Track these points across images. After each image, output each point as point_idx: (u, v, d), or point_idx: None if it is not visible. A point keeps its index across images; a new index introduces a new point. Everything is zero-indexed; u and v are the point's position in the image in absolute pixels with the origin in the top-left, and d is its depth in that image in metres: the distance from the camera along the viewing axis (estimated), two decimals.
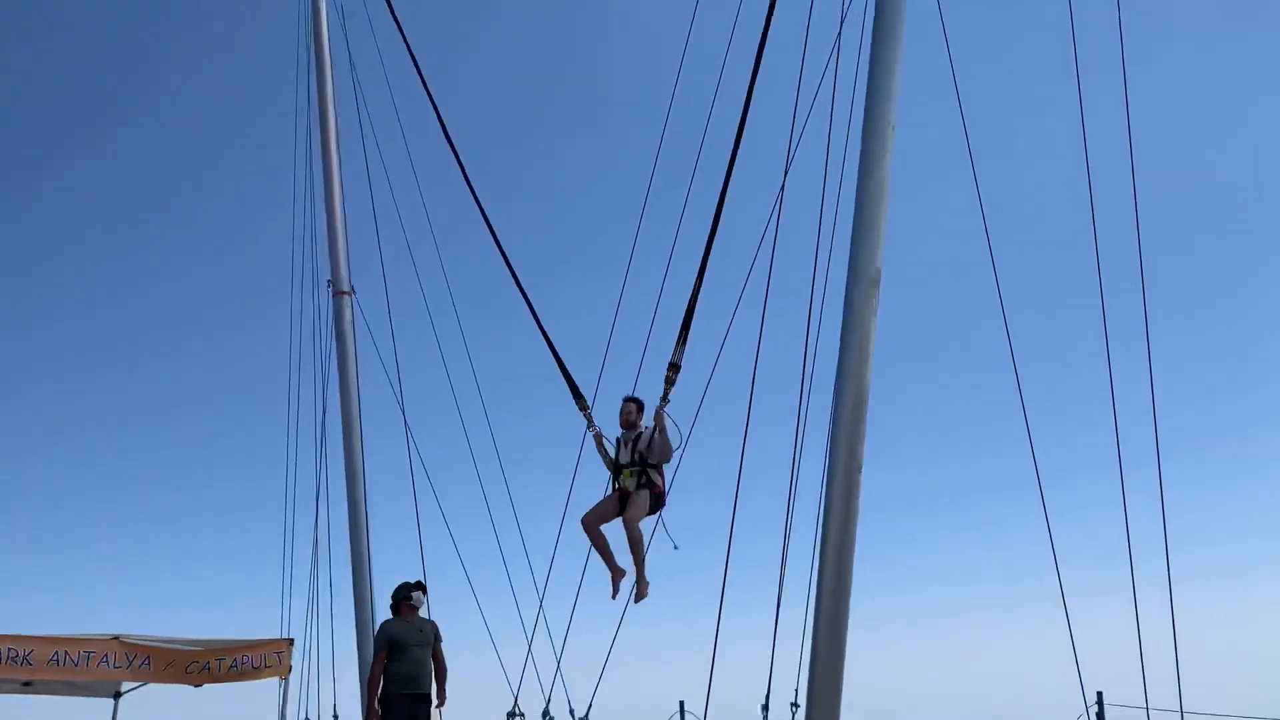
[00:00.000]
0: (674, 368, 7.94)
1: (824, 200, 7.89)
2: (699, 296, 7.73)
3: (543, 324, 9.01)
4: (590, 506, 8.63)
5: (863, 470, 6.82)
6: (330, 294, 12.44)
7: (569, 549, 8.51)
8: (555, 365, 8.94)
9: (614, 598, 8.69)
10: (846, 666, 6.56)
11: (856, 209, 6.84)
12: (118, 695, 10.98)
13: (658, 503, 8.64)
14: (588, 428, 8.93)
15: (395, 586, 9.59)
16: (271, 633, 10.56)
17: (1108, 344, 6.78)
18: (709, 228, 7.64)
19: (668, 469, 8.46)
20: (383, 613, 10.81)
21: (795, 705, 7.63)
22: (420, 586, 9.57)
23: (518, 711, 7.56)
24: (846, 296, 6.96)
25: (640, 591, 8.30)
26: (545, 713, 7.62)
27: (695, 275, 7.72)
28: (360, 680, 10.45)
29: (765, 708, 7.84)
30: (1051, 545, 5.92)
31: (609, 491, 8.77)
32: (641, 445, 8.59)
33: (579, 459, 8.46)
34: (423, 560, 10.67)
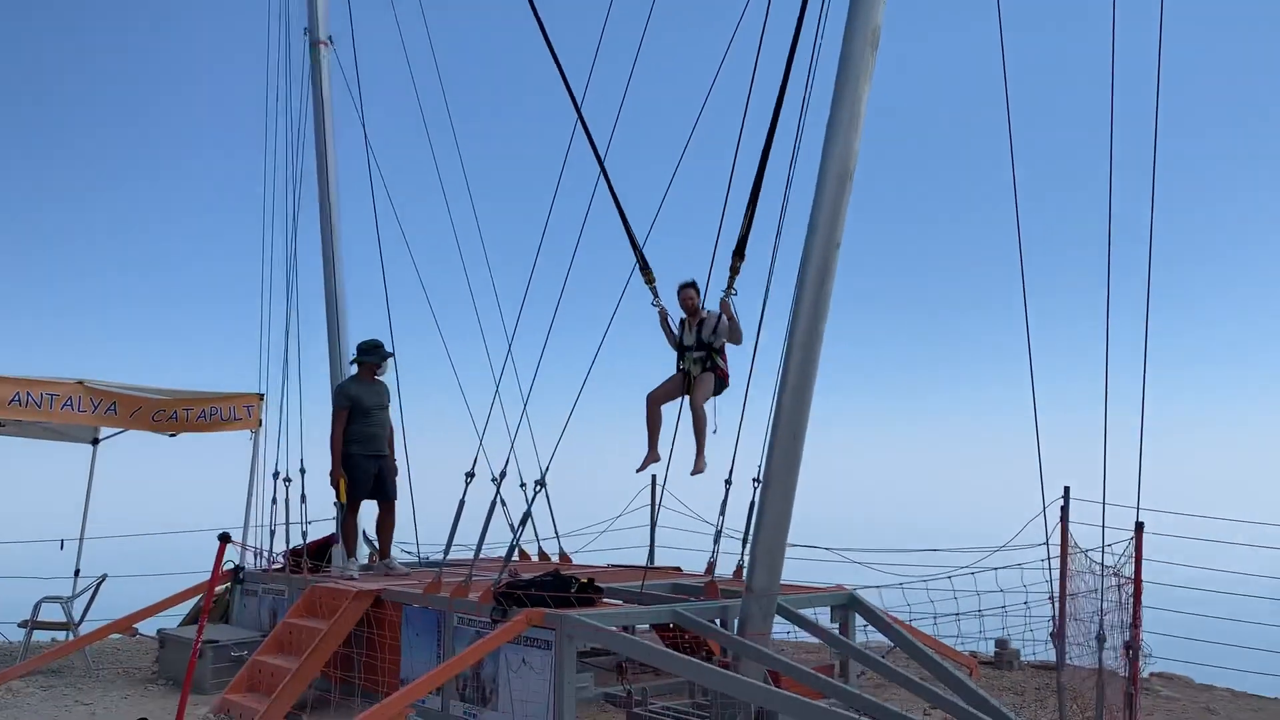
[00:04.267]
0: (739, 255, 7.66)
1: None
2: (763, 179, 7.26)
3: (619, 200, 8.48)
4: (657, 385, 8.66)
5: (840, 249, 6.55)
6: (307, 43, 11.80)
7: (536, 312, 8.30)
8: (620, 220, 8.56)
9: (637, 471, 8.78)
10: (807, 447, 6.53)
11: None
12: (96, 442, 11.08)
13: (721, 384, 8.64)
14: (653, 301, 8.77)
15: (365, 342, 9.49)
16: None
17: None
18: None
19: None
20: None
21: (757, 480, 7.61)
22: (385, 352, 9.47)
23: (474, 472, 7.50)
24: (841, 57, 6.49)
25: (697, 466, 8.37)
26: (503, 472, 7.56)
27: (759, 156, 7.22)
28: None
29: (728, 481, 7.84)
30: (1028, 338, 5.68)
31: (675, 372, 8.75)
32: (705, 331, 8.53)
33: (546, 224, 8.10)
34: (390, 324, 10.48)
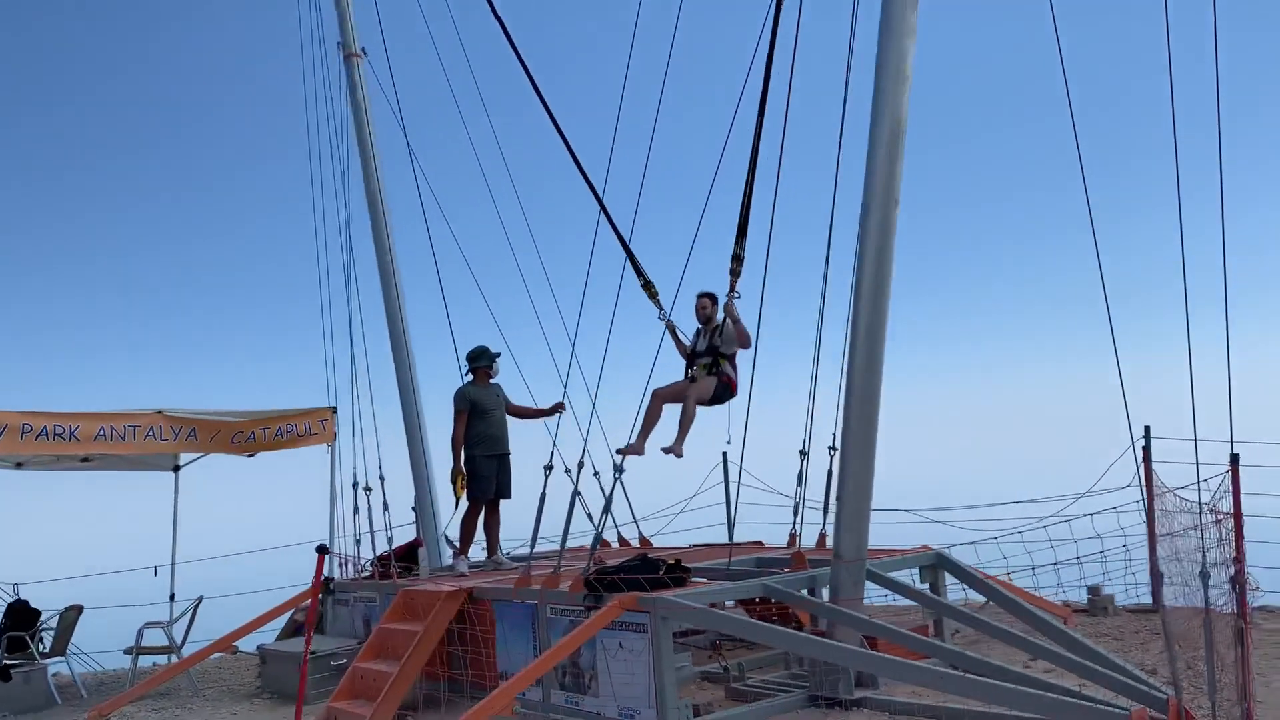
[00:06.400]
0: (737, 259, 7.69)
1: None
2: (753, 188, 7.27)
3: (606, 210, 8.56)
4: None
5: (899, 207, 6.50)
6: (340, 57, 11.92)
7: (596, 306, 8.34)
8: (618, 242, 8.66)
9: (617, 452, 8.79)
10: (882, 409, 6.50)
11: None
12: (177, 469, 11.34)
13: (726, 391, 8.67)
14: (660, 315, 8.80)
15: (473, 350, 9.74)
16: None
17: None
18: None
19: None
20: (423, 377, 10.92)
21: (833, 449, 7.59)
22: (493, 354, 9.72)
23: (552, 463, 7.58)
24: (883, 15, 6.43)
25: (674, 449, 8.42)
26: (580, 464, 7.62)
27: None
28: (406, 441, 10.67)
29: (804, 452, 7.82)
30: (1101, 276, 5.56)
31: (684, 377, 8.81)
32: (716, 338, 8.57)
33: (596, 226, 8.13)
34: (450, 324, 10.61)
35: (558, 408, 9.60)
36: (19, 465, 10.17)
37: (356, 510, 10.49)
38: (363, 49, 11.97)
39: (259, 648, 9.96)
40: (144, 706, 8.91)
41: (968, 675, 5.33)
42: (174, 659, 9.92)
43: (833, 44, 7.53)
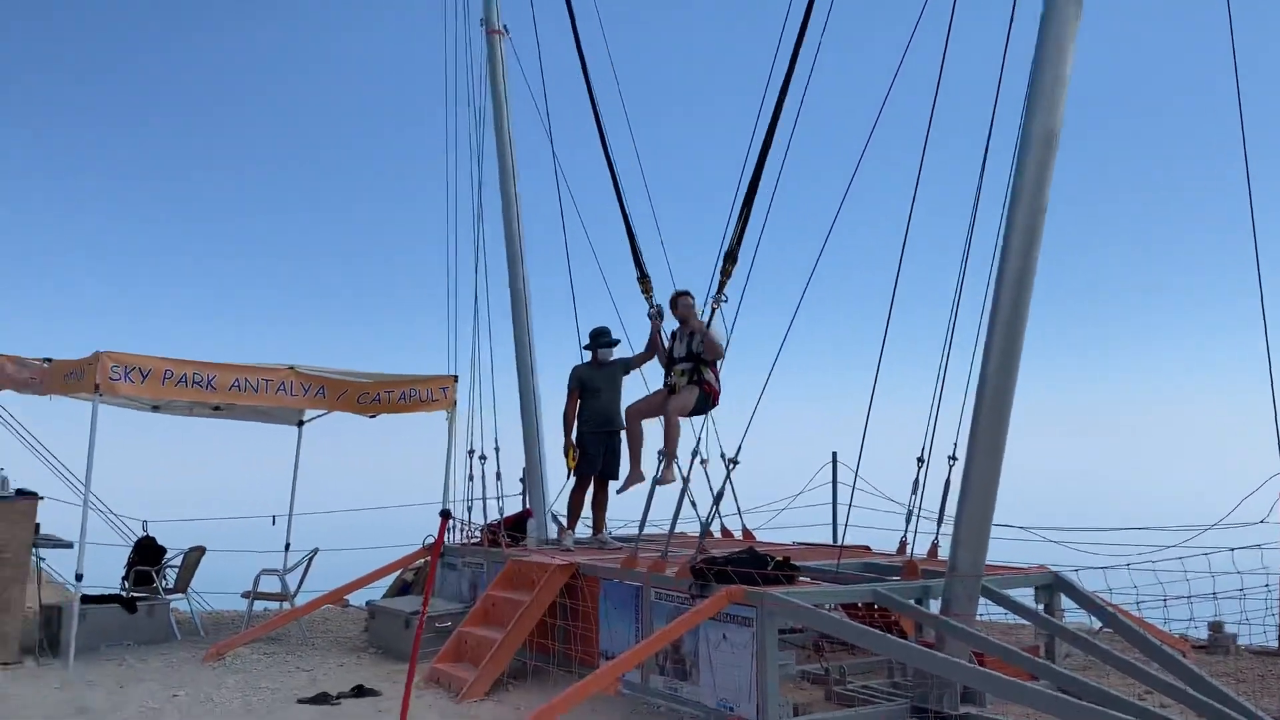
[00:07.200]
0: (730, 259, 7.36)
1: None
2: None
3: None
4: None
5: (1046, 213, 6.31)
6: (484, 33, 12.12)
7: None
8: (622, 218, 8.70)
9: (618, 492, 8.63)
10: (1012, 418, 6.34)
11: None
12: (301, 423, 11.75)
13: (707, 400, 8.40)
14: (649, 311, 8.65)
15: (593, 329, 9.96)
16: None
17: None
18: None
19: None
20: (541, 352, 11.08)
21: (953, 458, 7.43)
22: (606, 340, 9.90)
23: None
24: (1044, 13, 6.23)
25: (664, 478, 8.26)
26: (694, 452, 7.63)
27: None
28: (520, 414, 10.84)
29: (922, 459, 7.67)
30: (1260, 286, 5.31)
31: (662, 386, 8.63)
32: (696, 343, 8.27)
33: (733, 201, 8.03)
34: (574, 304, 10.71)
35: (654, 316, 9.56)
36: (156, 408, 10.68)
37: (470, 477, 10.75)
38: (504, 26, 12.14)
39: (368, 603, 10.28)
40: (256, 649, 9.29)
41: (1082, 702, 5.19)
42: (286, 606, 10.31)
43: (984, 43, 7.33)
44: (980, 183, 7.04)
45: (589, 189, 11.88)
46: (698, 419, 8.63)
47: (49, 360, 9.55)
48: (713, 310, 7.80)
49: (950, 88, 7.07)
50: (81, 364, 8.92)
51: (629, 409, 9.01)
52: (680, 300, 8.66)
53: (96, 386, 8.53)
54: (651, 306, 9.07)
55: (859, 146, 7.50)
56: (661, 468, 8.33)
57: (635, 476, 8.99)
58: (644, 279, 8.85)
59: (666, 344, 8.81)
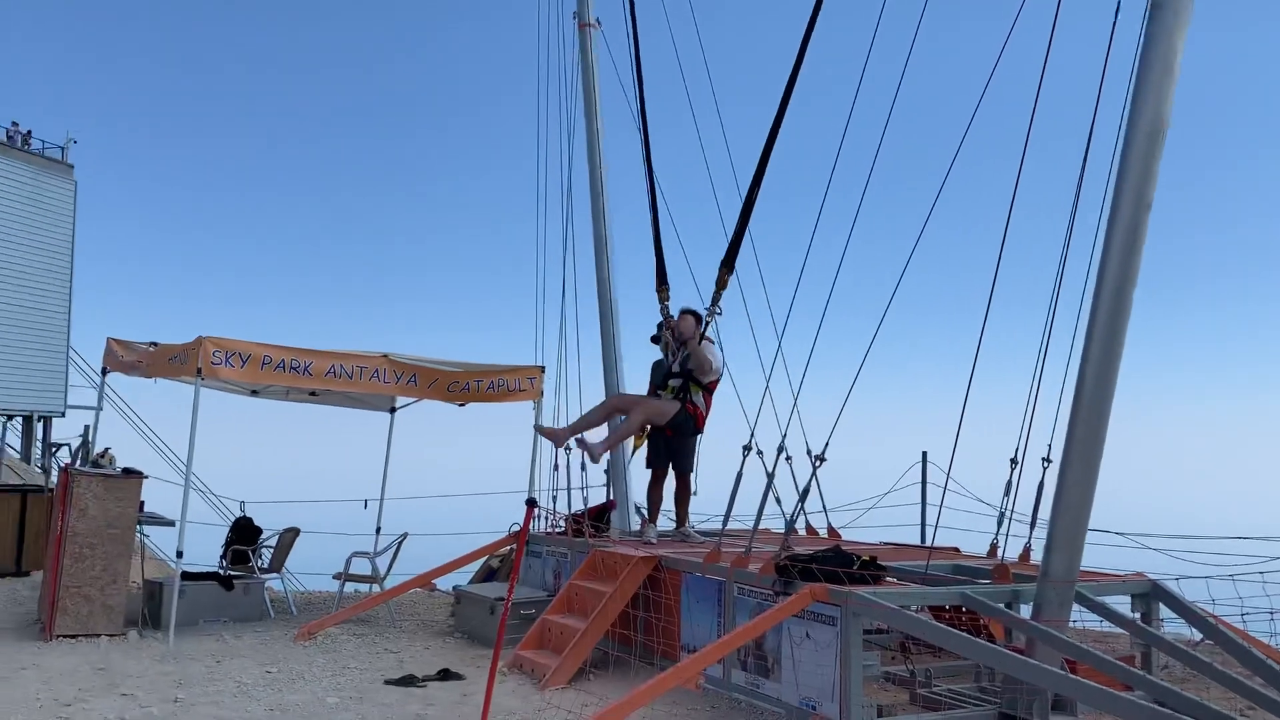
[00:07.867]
0: (726, 267, 7.27)
1: None
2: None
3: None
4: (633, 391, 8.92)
5: (1150, 211, 6.10)
6: (575, 26, 12.20)
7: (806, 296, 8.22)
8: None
9: (536, 427, 8.48)
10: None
11: None
12: (393, 410, 11.99)
13: (689, 422, 8.44)
14: (663, 320, 8.52)
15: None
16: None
17: None
18: None
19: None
20: (626, 345, 11.11)
21: (1047, 460, 7.24)
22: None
23: (753, 445, 7.56)
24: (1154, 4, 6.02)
25: (590, 449, 8.44)
26: (780, 448, 7.57)
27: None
28: None
29: (1015, 461, 7.48)
30: None
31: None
32: (691, 362, 8.29)
33: (824, 200, 7.94)
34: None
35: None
36: (254, 393, 11.00)
37: (555, 467, 10.82)
38: (597, 19, 12.20)
39: (454, 588, 10.45)
40: (346, 630, 9.52)
41: (1179, 714, 5.01)
42: (376, 589, 10.54)
43: (1088, 35, 7.11)
44: (1080, 179, 6.85)
45: (672, 178, 11.88)
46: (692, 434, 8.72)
47: (154, 344, 9.92)
48: (707, 323, 7.78)
49: (1045, 87, 6.89)
50: (185, 348, 9.22)
51: (618, 395, 9.00)
52: (682, 318, 8.67)
53: (199, 370, 8.81)
54: (667, 317, 9.04)
55: (953, 145, 7.37)
56: (599, 441, 8.43)
57: (563, 437, 9.07)
58: (661, 288, 8.79)
59: (667, 360, 8.85)
